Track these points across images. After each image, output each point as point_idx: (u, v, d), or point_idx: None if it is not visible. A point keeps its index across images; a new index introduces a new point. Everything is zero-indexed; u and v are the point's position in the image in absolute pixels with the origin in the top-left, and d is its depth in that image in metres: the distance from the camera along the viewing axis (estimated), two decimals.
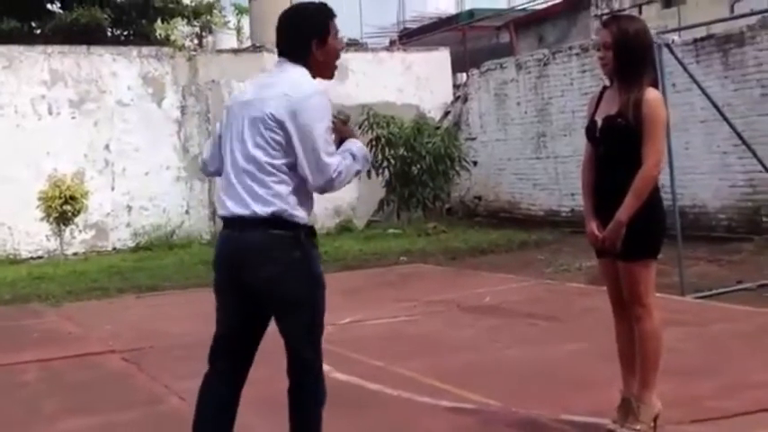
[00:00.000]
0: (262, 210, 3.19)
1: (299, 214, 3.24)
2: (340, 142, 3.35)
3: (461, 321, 7.22)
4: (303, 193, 3.25)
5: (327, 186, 3.24)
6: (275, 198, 3.19)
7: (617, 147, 3.82)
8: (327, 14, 3.39)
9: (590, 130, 3.97)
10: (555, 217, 13.54)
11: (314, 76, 3.33)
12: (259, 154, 3.20)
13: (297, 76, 3.29)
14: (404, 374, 5.45)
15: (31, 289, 10.13)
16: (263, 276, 3.24)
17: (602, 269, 4.10)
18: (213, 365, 3.47)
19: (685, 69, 8.36)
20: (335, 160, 3.21)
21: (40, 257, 13.29)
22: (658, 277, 4.08)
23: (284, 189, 3.20)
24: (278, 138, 3.19)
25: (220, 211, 3.35)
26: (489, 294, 8.23)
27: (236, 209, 3.24)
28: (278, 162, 3.20)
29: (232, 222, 3.28)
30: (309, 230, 3.30)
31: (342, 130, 3.41)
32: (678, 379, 4.61)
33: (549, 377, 5.25)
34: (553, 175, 13.80)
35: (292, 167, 3.21)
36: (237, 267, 3.28)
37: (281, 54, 3.37)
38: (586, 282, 8.46)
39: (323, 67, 3.37)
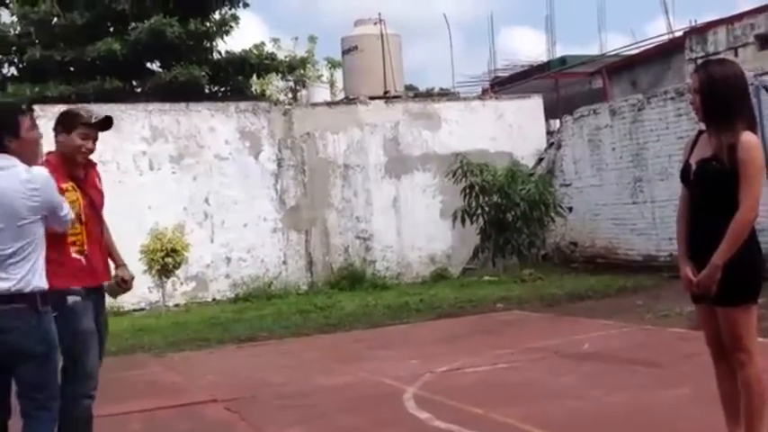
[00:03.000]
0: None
1: None
2: None
3: (560, 368, 7.23)
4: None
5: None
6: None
7: (712, 190, 3.85)
8: (17, 113, 4.05)
9: (684, 173, 4.01)
10: (653, 262, 13.35)
11: (24, 162, 3.93)
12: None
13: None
14: (503, 422, 5.52)
15: (134, 340, 10.51)
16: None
17: (700, 315, 4.10)
18: None
19: None
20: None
21: (142, 309, 13.80)
22: (762, 322, 4.06)
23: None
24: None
25: None
26: (588, 341, 8.21)
27: None
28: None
29: None
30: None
31: None
32: None
33: (652, 424, 5.25)
34: (650, 220, 13.64)
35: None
36: None
37: None
38: (688, 327, 8.32)
39: (24, 157, 3.95)
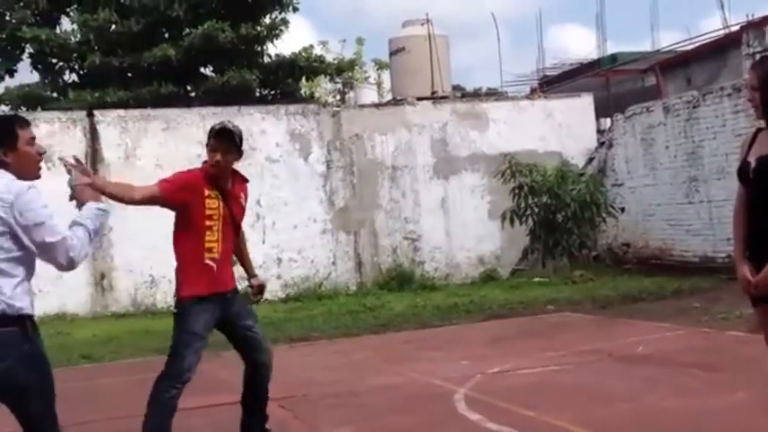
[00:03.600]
0: None
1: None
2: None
3: (614, 371, 7.10)
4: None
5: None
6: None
7: None
8: (14, 124, 3.62)
9: (742, 171, 3.89)
10: (710, 263, 13.06)
11: (20, 178, 3.53)
12: None
13: None
14: (556, 425, 5.43)
15: None
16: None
17: (758, 317, 3.98)
18: None
19: None
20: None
21: None
22: None
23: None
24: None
25: None
26: (642, 343, 8.06)
27: None
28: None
29: None
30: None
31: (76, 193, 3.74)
32: None
33: (710, 430, 5.10)
34: (707, 220, 13.36)
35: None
36: None
37: None
38: (747, 330, 8.12)
39: (22, 172, 3.55)
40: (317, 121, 15.05)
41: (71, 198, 3.79)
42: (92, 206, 3.65)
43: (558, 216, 13.94)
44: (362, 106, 17.99)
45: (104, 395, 7.78)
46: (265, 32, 19.39)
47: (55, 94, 19.54)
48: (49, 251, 3.44)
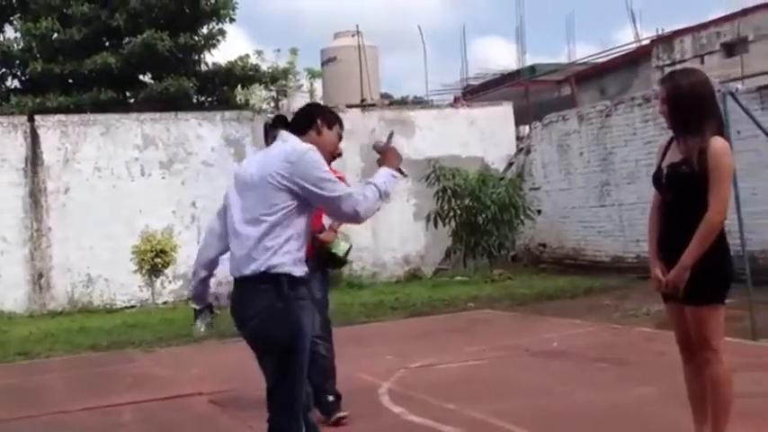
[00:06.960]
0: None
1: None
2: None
3: (530, 365, 7.06)
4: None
5: None
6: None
7: (682, 194, 3.72)
8: (336, 115, 3.95)
9: (656, 177, 3.89)
10: (620, 263, 13.21)
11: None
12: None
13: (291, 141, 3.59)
14: (476, 417, 5.34)
15: (126, 336, 10.34)
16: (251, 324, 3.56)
17: (669, 313, 3.97)
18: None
19: (750, 116, 8.06)
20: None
21: (133, 307, 13.58)
22: (729, 322, 3.95)
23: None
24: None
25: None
26: (557, 339, 8.04)
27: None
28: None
29: None
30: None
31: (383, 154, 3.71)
32: (751, 424, 4.39)
33: (620, 421, 5.08)
34: (618, 222, 13.51)
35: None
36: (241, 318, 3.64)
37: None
38: (654, 326, 8.19)
39: (322, 146, 3.67)
40: (251, 127, 14.78)
41: (379, 162, 3.71)
42: (387, 171, 3.61)
43: (478, 218, 13.93)
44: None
45: (38, 391, 7.47)
46: (203, 42, 19.04)
47: None
48: (335, 203, 3.45)
